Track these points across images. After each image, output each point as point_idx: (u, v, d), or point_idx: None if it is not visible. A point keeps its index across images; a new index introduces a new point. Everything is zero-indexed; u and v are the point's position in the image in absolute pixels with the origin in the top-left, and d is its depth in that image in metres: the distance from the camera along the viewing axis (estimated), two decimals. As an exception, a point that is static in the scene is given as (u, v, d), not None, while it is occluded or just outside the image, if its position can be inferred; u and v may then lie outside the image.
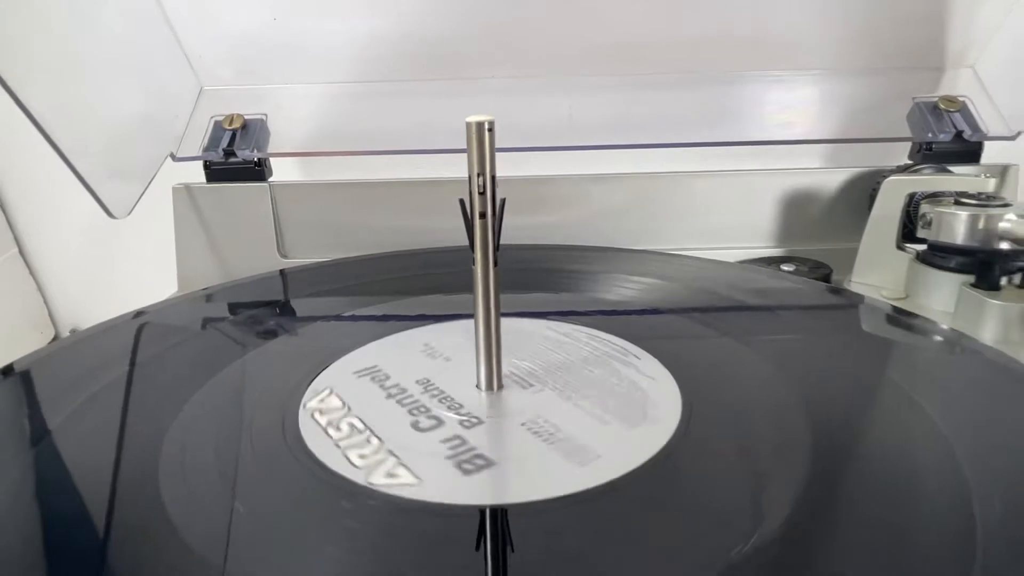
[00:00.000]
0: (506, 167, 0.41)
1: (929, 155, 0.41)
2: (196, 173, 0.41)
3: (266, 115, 0.42)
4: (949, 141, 0.41)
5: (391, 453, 0.19)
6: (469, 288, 0.21)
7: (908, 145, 0.42)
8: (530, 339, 0.26)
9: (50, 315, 0.58)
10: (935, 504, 0.17)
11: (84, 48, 0.36)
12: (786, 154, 0.44)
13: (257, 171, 0.41)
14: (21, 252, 0.56)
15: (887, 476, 0.19)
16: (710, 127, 0.43)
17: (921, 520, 0.17)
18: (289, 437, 0.20)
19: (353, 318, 0.31)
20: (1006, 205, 0.32)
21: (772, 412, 0.22)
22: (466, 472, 0.18)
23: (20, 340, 0.55)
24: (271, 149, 0.42)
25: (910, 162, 0.41)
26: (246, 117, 0.42)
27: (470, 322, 0.22)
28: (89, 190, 0.34)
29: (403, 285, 0.35)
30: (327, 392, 0.23)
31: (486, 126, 0.19)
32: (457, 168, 0.39)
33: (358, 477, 0.18)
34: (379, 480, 0.18)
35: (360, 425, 0.21)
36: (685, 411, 0.21)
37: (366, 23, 0.42)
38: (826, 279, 0.38)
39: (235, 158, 0.41)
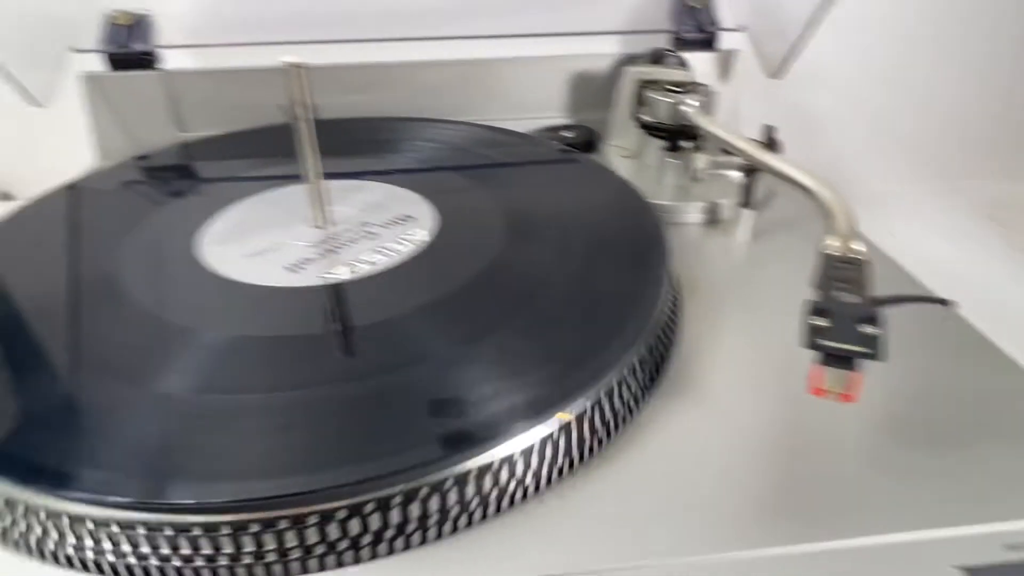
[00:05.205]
0: (349, 54, 0.52)
1: (680, 42, 0.55)
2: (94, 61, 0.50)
3: (150, 11, 0.51)
4: (693, 32, 0.54)
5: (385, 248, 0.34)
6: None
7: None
8: (337, 193, 0.40)
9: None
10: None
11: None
12: (582, 41, 0.56)
13: (148, 59, 0.51)
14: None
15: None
16: (520, 18, 0.54)
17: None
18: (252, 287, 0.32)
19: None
20: (694, 93, 0.46)
21: (482, 212, 0.38)
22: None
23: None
24: (159, 40, 0.51)
25: (660, 48, 0.54)
26: (133, 13, 0.50)
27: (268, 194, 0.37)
28: (13, 82, 0.44)
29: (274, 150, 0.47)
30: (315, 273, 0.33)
31: (301, 68, 0.32)
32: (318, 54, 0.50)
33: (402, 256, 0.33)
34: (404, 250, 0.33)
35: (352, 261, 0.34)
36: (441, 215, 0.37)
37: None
38: (591, 142, 0.52)
39: (128, 49, 0.50)
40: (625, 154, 0.50)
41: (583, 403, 0.25)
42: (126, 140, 0.51)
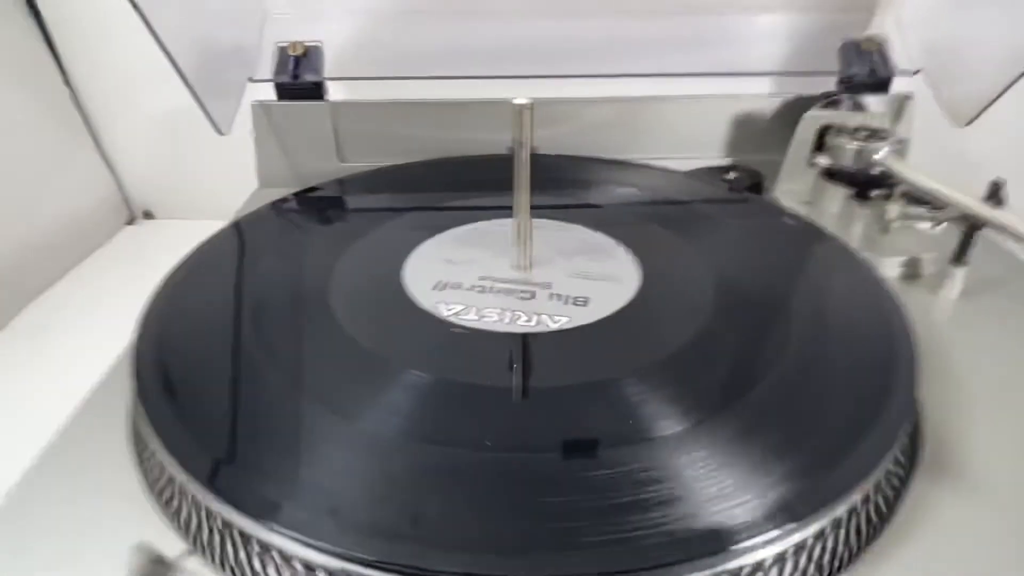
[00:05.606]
0: (511, 89, 0.52)
1: (849, 84, 0.53)
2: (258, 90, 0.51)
3: (322, 42, 0.51)
4: (864, 75, 0.52)
5: (536, 314, 0.32)
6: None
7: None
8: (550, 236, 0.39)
9: (124, 199, 0.68)
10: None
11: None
12: (741, 80, 0.55)
13: (317, 90, 0.51)
14: (96, 141, 0.65)
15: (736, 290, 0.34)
16: (680, 56, 0.53)
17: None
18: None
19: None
20: (884, 139, 0.44)
21: (689, 268, 0.36)
22: (580, 305, 0.32)
23: (102, 220, 0.66)
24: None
25: (832, 91, 0.52)
26: (306, 44, 0.51)
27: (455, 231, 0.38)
28: (203, 108, 0.44)
29: (442, 184, 0.47)
30: (443, 300, 0.33)
31: (528, 107, 0.31)
32: (478, 89, 0.49)
33: (546, 328, 0.31)
34: (551, 325, 0.31)
35: (502, 310, 0.32)
36: (644, 272, 0.35)
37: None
38: (759, 184, 0.50)
39: (300, 80, 0.51)
40: (800, 199, 0.48)
41: (847, 504, 0.23)
42: (287, 167, 0.52)
